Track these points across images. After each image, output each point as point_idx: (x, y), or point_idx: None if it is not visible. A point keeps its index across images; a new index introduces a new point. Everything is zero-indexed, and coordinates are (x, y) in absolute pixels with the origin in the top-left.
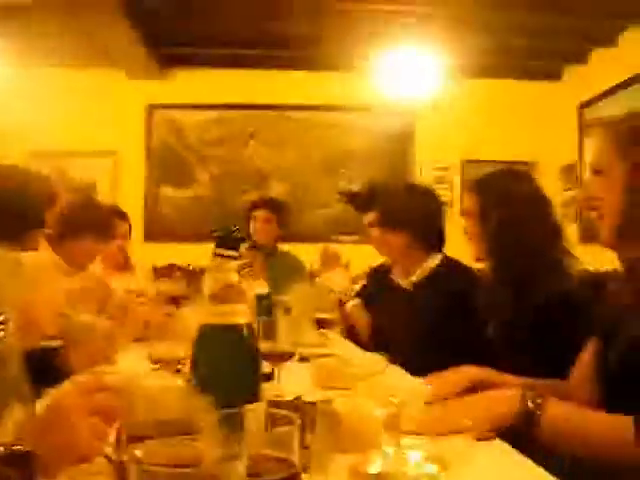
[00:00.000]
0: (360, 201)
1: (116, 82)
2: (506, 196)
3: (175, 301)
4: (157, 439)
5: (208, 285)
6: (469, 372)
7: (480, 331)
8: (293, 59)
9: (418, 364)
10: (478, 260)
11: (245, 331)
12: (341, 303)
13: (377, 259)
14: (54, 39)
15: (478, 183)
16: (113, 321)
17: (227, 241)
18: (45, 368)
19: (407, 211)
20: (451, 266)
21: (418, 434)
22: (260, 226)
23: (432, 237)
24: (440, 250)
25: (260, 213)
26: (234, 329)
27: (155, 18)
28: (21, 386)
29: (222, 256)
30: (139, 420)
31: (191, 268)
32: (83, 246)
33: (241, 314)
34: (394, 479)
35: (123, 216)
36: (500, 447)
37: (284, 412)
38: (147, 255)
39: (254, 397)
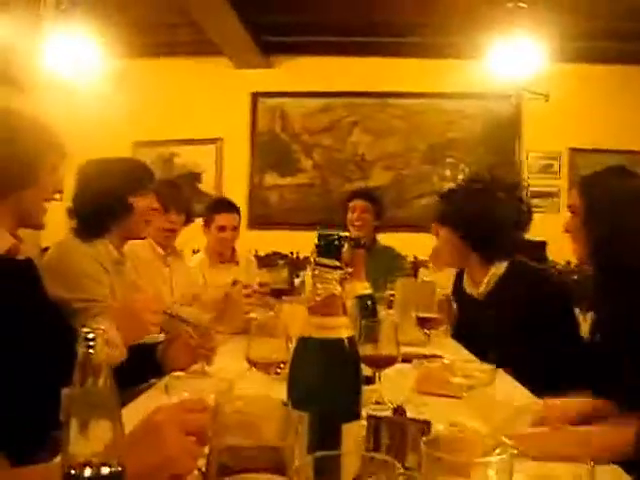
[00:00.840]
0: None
1: (222, 70)
2: (615, 198)
3: (277, 293)
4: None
5: (309, 296)
6: (584, 402)
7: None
8: (399, 46)
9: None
10: (580, 263)
11: (347, 346)
12: (448, 301)
13: None
14: (164, 30)
15: (584, 181)
16: (211, 316)
17: (328, 249)
18: (145, 363)
19: (468, 211)
20: (519, 272)
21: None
22: (358, 215)
23: (495, 248)
24: (510, 255)
25: (358, 203)
26: (335, 343)
27: (261, 6)
28: (108, 402)
29: (323, 265)
30: (230, 446)
31: (294, 256)
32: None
33: (343, 327)
34: None
35: (233, 208)
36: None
37: (383, 458)
38: (250, 243)
39: (354, 415)
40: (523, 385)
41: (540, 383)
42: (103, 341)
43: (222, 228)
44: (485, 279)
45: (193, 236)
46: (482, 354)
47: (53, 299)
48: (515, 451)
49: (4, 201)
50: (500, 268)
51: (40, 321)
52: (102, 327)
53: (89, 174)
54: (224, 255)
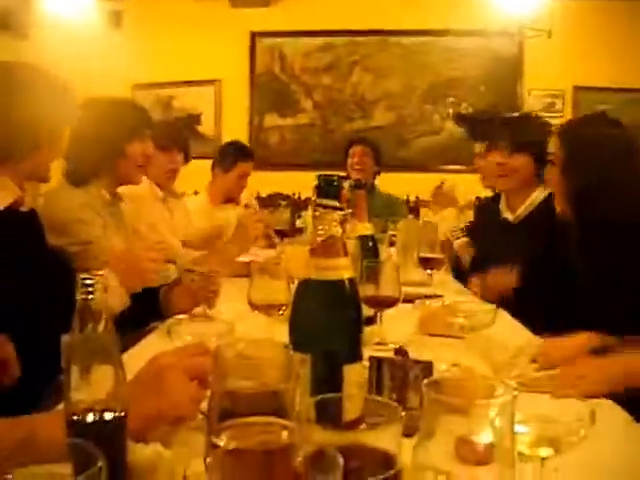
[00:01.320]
0: (479, 127)
1: (220, 10)
2: (595, 148)
3: (279, 234)
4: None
5: (310, 237)
6: (587, 338)
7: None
8: None
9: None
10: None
11: (347, 287)
12: (448, 242)
13: (482, 189)
14: None
15: (564, 129)
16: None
17: (328, 191)
18: (147, 307)
19: (538, 136)
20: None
21: (528, 390)
22: (358, 159)
23: None
24: None
25: (357, 148)
26: (336, 285)
27: None
28: (109, 348)
29: (323, 206)
30: (231, 391)
31: (296, 197)
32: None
33: (344, 268)
34: (504, 454)
35: (248, 155)
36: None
37: (384, 401)
38: (251, 184)
39: (355, 357)
40: (526, 320)
41: (543, 319)
42: (102, 287)
43: (244, 175)
44: (524, 204)
45: (189, 177)
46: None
47: (52, 248)
48: (516, 392)
49: (17, 163)
50: (541, 195)
51: (44, 271)
52: (101, 272)
53: (83, 117)
54: (230, 197)
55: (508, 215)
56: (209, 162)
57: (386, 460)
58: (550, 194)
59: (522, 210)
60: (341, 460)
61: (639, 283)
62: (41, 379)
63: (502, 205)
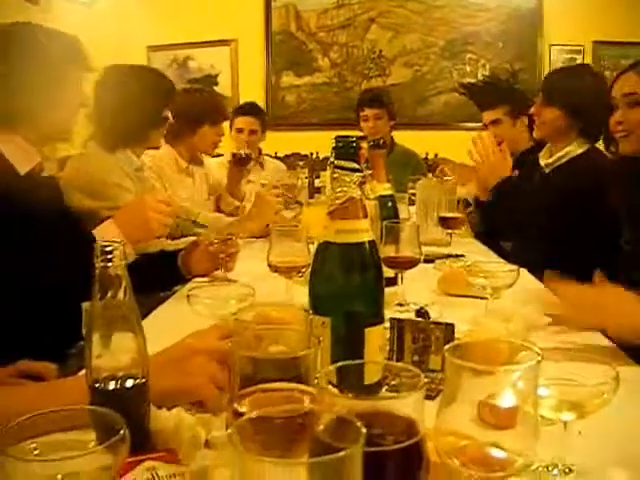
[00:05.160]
0: (483, 97)
1: None
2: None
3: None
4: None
5: (328, 199)
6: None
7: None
8: None
9: (540, 251)
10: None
11: (367, 249)
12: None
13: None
14: None
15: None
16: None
17: (346, 152)
18: (167, 270)
19: (579, 89)
20: (592, 158)
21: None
22: (372, 124)
23: (597, 123)
24: (593, 141)
25: (368, 112)
26: (355, 248)
27: None
28: (129, 315)
29: (342, 168)
30: (251, 357)
31: (314, 157)
32: (201, 136)
33: (363, 230)
34: (527, 418)
35: (251, 111)
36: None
37: (406, 367)
38: (269, 145)
39: (376, 319)
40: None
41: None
42: (121, 254)
43: (239, 130)
44: (559, 154)
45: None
46: (534, 229)
47: (77, 212)
48: (540, 357)
49: (36, 122)
50: (578, 149)
51: (65, 236)
52: (118, 240)
53: (111, 83)
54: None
55: (543, 162)
56: (227, 123)
57: (409, 427)
58: (588, 151)
59: (553, 159)
60: (363, 429)
61: None
62: (64, 343)
63: (543, 152)
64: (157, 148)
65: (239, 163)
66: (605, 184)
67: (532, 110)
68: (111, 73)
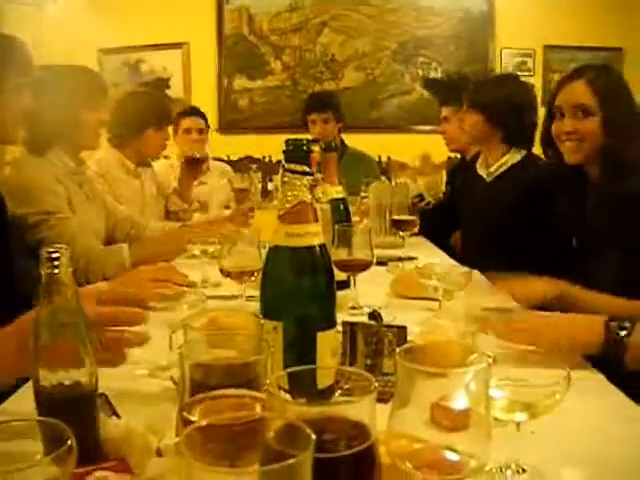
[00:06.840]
0: (445, 92)
1: None
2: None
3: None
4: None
5: (280, 203)
6: (548, 284)
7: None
8: None
9: (487, 259)
10: None
11: (318, 253)
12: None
13: None
14: None
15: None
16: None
17: (297, 155)
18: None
19: (497, 97)
20: (533, 164)
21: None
22: (320, 128)
23: (518, 130)
24: (528, 148)
25: (315, 117)
26: (306, 252)
27: None
28: (77, 322)
29: (292, 172)
30: (202, 363)
31: (267, 160)
32: (147, 139)
33: (314, 234)
34: (480, 419)
35: (197, 113)
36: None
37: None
38: (221, 148)
39: (329, 324)
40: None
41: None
42: (67, 260)
43: (188, 131)
44: (498, 162)
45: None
46: (484, 235)
47: (13, 219)
48: (492, 360)
49: None
50: (516, 157)
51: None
52: (64, 245)
53: (39, 84)
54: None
55: (483, 172)
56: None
57: (361, 432)
58: (526, 157)
59: (494, 169)
60: (313, 435)
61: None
62: None
63: (479, 162)
64: (94, 149)
65: (192, 165)
66: (551, 190)
67: (459, 116)
68: (43, 74)
